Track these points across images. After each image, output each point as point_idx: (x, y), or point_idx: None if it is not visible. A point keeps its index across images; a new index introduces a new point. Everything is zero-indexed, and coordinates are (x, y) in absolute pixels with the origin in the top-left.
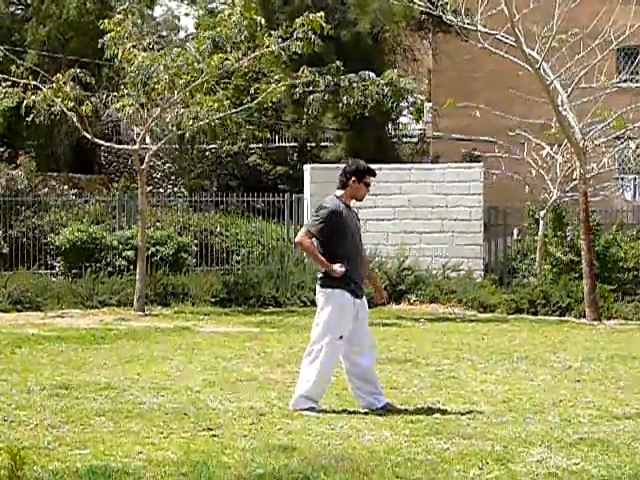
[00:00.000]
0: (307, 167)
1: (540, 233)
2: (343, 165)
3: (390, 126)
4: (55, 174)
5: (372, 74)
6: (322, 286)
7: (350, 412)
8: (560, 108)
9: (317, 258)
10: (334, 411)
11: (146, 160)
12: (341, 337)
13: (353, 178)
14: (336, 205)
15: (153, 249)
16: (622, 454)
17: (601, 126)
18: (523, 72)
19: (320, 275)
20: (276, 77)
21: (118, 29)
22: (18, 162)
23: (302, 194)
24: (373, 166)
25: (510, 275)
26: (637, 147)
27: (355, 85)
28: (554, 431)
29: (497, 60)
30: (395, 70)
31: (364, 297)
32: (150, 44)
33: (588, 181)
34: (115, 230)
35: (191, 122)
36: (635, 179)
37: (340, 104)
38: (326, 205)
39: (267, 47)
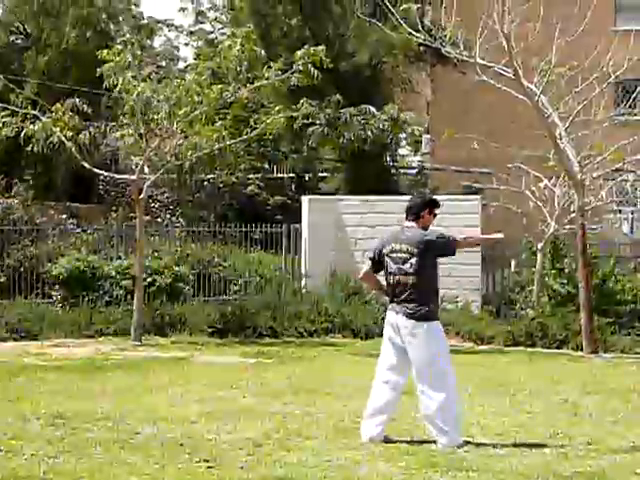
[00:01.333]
0: (305, 198)
1: (538, 265)
2: (340, 196)
3: (388, 157)
4: (53, 203)
5: (372, 108)
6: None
7: (346, 443)
8: (558, 141)
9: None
10: (330, 442)
11: (144, 190)
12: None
13: (427, 210)
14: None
15: (150, 279)
16: None
17: (599, 159)
18: (521, 104)
19: (420, 308)
20: (276, 108)
21: (117, 59)
22: (13, 192)
23: (300, 225)
24: (372, 197)
25: (507, 307)
26: (635, 180)
27: (355, 119)
28: (551, 464)
29: (495, 92)
30: (394, 104)
31: None
32: (150, 74)
33: (586, 214)
34: (113, 259)
35: (190, 152)
36: (633, 212)
37: (340, 138)
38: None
39: (267, 79)
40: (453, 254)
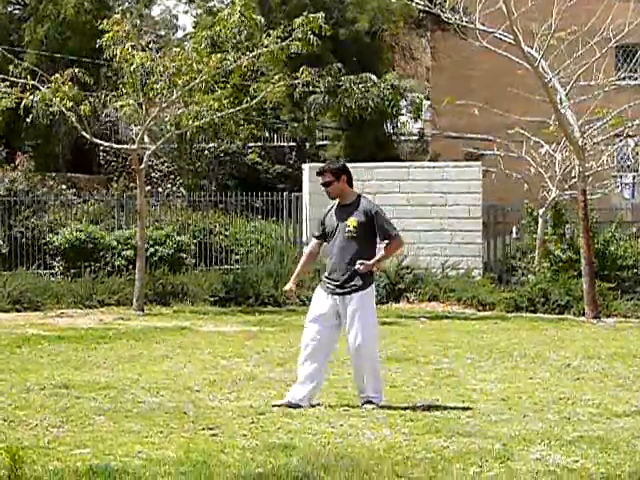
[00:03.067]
0: (306, 166)
1: (539, 231)
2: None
3: (389, 125)
4: (54, 174)
5: (373, 76)
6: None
7: (349, 410)
8: (559, 106)
9: None
10: (333, 409)
11: (145, 160)
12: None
13: None
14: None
15: (152, 249)
16: (622, 452)
17: (600, 124)
18: (522, 70)
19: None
20: (276, 77)
21: (116, 29)
22: (17, 162)
23: (301, 193)
24: (372, 164)
25: (509, 273)
26: (636, 145)
27: (356, 87)
28: (553, 429)
29: (495, 58)
30: (395, 72)
31: (347, 294)
32: (149, 44)
33: (587, 179)
34: (114, 230)
35: (190, 121)
36: (634, 177)
37: (340, 106)
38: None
39: (265, 47)
40: None
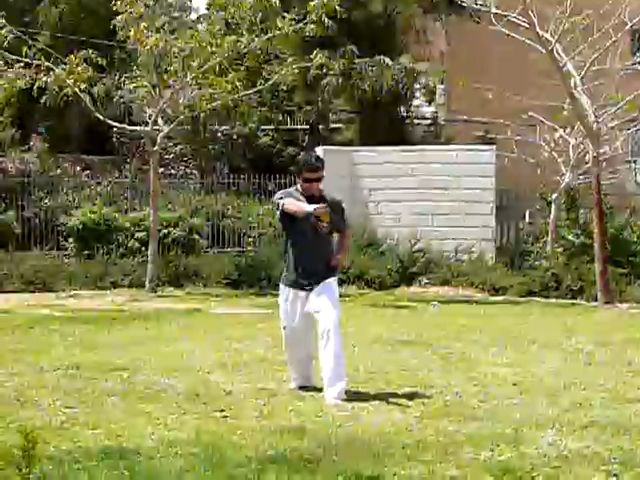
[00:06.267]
0: (320, 149)
1: (552, 216)
2: (355, 147)
3: (402, 108)
4: (67, 155)
5: (387, 59)
6: None
7: (360, 394)
8: (573, 90)
9: None
10: (344, 392)
11: (158, 142)
12: (284, 327)
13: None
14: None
15: (165, 231)
16: (633, 437)
17: (614, 109)
18: (536, 54)
19: None
20: (290, 59)
21: (130, 10)
22: (31, 143)
23: None
24: (385, 148)
25: (522, 258)
26: None
27: (369, 70)
28: (565, 414)
29: (510, 42)
30: (409, 55)
31: (314, 288)
32: (163, 25)
33: (601, 164)
34: (127, 212)
35: (204, 104)
36: None
37: (354, 89)
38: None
39: (280, 29)
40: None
